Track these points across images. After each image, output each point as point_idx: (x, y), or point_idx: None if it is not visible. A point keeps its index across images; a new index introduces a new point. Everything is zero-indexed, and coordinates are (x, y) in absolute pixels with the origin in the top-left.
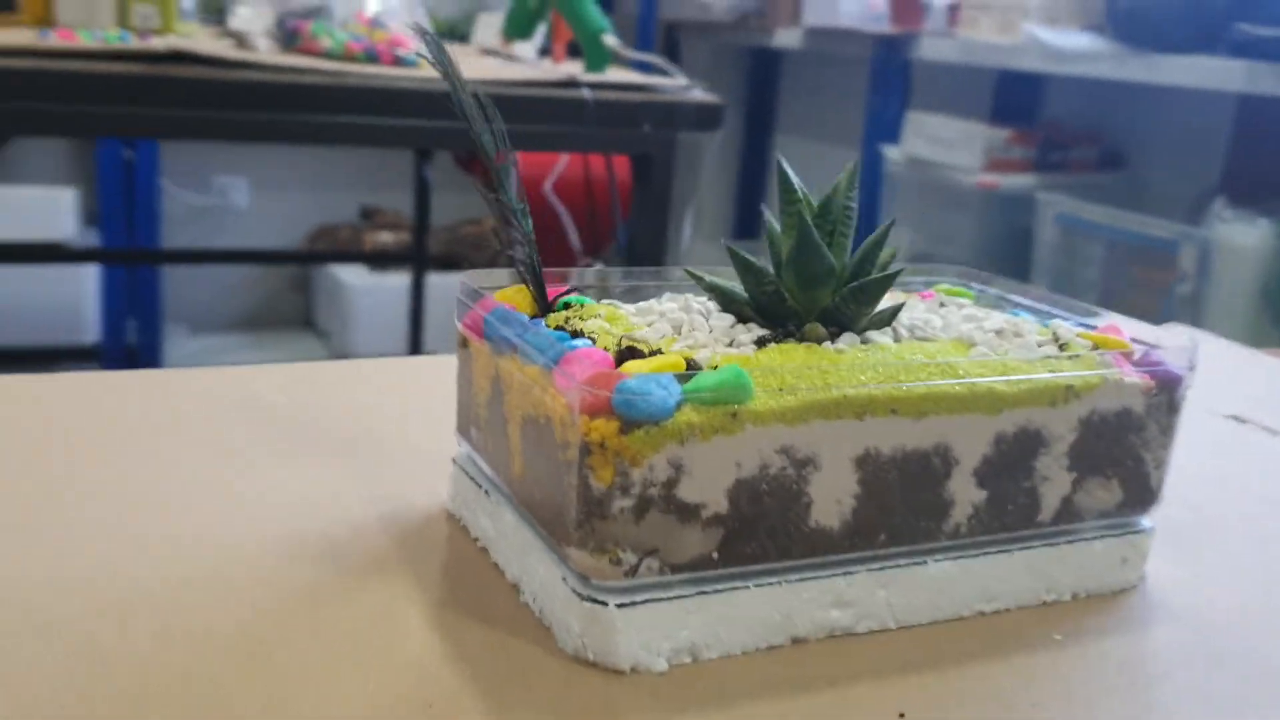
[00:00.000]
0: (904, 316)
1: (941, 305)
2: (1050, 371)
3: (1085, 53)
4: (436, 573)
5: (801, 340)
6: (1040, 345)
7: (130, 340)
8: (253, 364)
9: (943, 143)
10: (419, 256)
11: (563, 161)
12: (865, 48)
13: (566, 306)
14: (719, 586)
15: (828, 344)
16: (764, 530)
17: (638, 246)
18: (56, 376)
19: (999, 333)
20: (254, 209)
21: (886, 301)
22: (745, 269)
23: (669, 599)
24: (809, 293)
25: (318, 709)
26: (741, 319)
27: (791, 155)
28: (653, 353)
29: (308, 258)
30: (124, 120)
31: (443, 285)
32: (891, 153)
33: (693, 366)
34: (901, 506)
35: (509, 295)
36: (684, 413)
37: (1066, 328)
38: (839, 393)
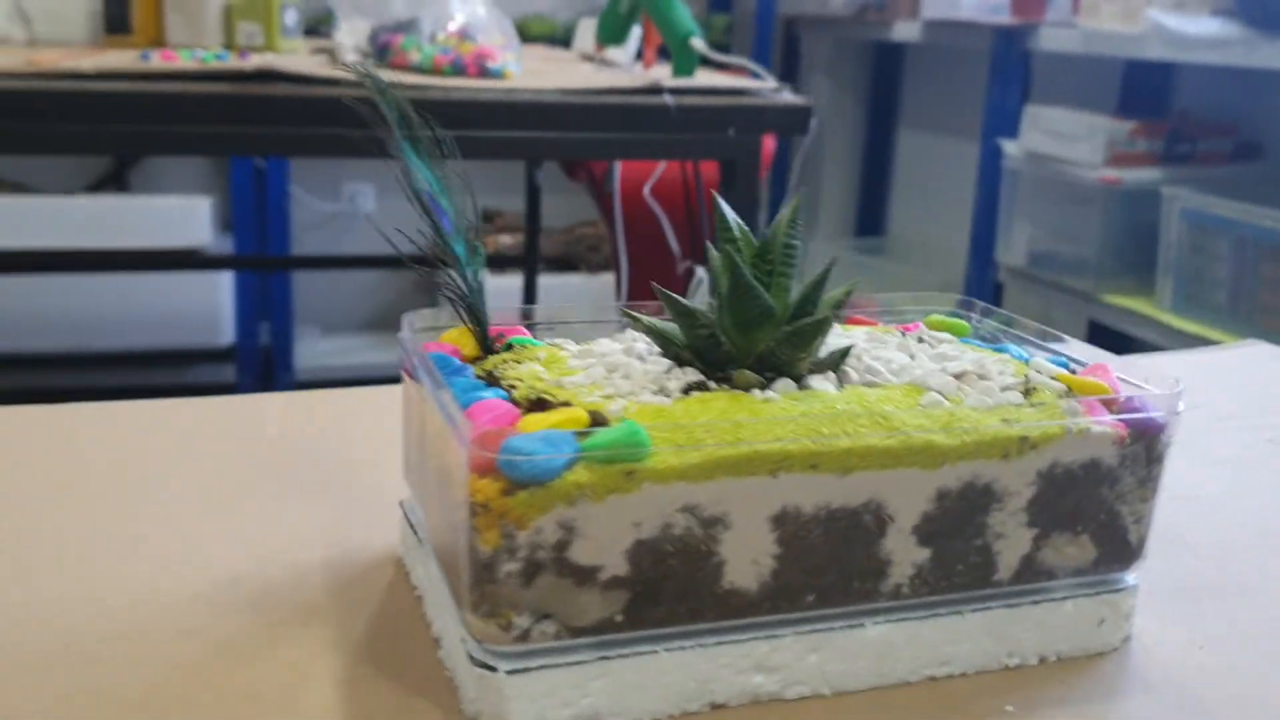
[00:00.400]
0: (865, 355)
1: (920, 340)
2: (1004, 421)
3: (1214, 39)
4: (365, 624)
5: (733, 387)
6: (1004, 390)
7: (264, 342)
8: (378, 363)
9: (1063, 136)
10: (529, 260)
11: (662, 164)
12: (985, 39)
13: (510, 347)
14: (624, 651)
15: (756, 392)
16: (672, 593)
17: None
18: (57, 408)
19: (960, 376)
20: (381, 214)
21: (861, 334)
22: (677, 311)
23: (567, 665)
24: (745, 335)
25: None
26: (680, 362)
27: (914, 149)
28: (561, 404)
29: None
30: (225, 139)
31: (559, 286)
32: (1010, 147)
33: (598, 421)
34: (830, 567)
35: (454, 336)
36: (575, 472)
37: (1046, 367)
38: (749, 448)
